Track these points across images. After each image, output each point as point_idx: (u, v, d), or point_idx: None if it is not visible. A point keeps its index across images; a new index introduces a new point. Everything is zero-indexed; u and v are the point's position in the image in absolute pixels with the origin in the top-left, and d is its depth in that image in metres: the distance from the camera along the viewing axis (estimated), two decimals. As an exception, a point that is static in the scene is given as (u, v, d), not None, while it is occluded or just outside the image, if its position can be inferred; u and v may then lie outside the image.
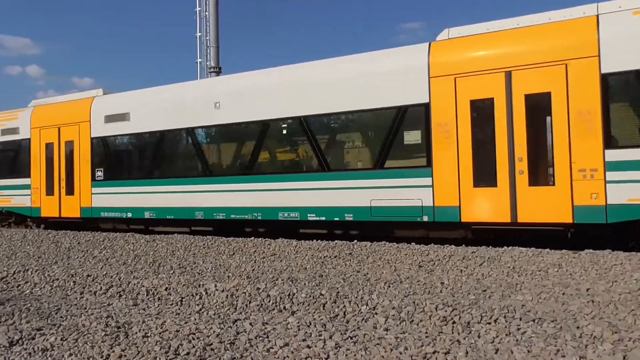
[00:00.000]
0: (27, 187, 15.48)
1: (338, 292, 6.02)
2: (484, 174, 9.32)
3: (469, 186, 9.45)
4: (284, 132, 11.48)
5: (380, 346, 4.36)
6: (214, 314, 5.63)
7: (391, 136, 10.21)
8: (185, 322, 5.13)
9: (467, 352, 4.17)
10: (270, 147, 11.81)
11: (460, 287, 6.54)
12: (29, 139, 15.52)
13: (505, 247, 8.78)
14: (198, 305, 6.12)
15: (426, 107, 9.75)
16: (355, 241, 10.30)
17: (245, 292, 6.23)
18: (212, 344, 4.48)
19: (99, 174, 14.08)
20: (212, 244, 10.78)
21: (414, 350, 4.23)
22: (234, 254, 9.75)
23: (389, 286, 6.63)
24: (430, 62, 9.75)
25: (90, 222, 14.68)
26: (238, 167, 12.20)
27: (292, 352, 4.30)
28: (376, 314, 5.38)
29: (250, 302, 5.98)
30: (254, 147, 11.89)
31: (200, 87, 13.06)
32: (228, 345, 4.45)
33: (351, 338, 4.60)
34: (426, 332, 4.76)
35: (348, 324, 5.16)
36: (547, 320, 4.85)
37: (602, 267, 7.17)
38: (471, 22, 10.65)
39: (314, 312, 5.59)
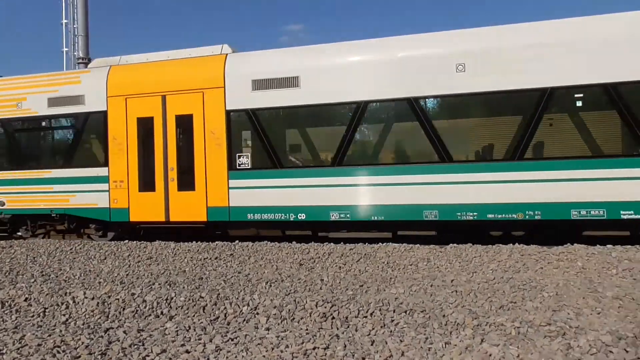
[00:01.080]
0: (102, 180, 11.30)
1: (219, 294, 5.92)
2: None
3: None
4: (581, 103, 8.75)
5: (262, 346, 4.36)
6: (83, 324, 5.23)
7: None
8: (49, 335, 4.71)
9: (345, 346, 4.33)
10: (559, 123, 8.91)
11: (339, 283, 6.78)
12: (104, 112, 11.31)
13: (380, 243, 9.27)
14: (64, 315, 5.64)
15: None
16: (237, 241, 10.20)
17: (118, 299, 5.87)
18: (80, 356, 4.16)
19: (243, 160, 10.48)
20: (80, 248, 10.01)
21: (295, 347, 4.30)
22: (105, 258, 9.14)
23: (271, 285, 6.67)
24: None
25: (219, 227, 11.39)
26: (502, 151, 9.21)
27: (170, 359, 4.14)
28: (257, 314, 5.38)
29: (124, 309, 5.65)
30: (529, 124, 8.94)
31: (431, 43, 9.67)
32: (99, 357, 4.16)
33: (232, 340, 4.55)
34: (307, 329, 4.86)
35: (229, 325, 5.10)
36: (417, 311, 5.21)
37: (465, 259, 7.87)
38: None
39: (194, 316, 5.44)
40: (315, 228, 10.87)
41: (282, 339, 4.53)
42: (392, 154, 10.06)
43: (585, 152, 8.77)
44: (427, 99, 9.52)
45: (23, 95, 11.85)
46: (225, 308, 5.55)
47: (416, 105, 9.47)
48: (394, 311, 5.22)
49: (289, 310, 5.35)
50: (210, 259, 8.80)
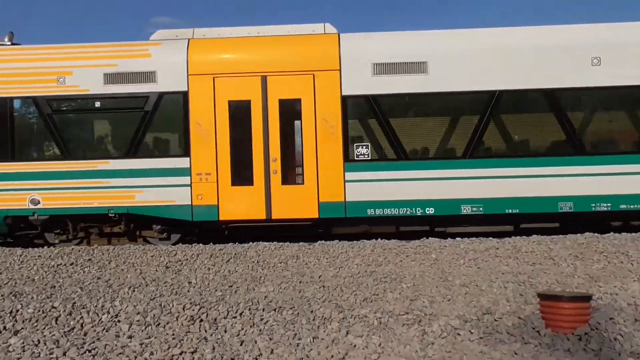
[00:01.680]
0: (181, 172, 9.60)
1: (74, 303, 5.46)
2: None
3: None
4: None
5: (124, 355, 4.11)
6: None
7: None
8: None
9: (213, 348, 4.25)
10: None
11: (208, 284, 6.63)
12: (184, 93, 9.60)
13: (250, 242, 9.25)
14: None
15: None
16: (96, 246, 9.50)
17: (-51, 315, 5.14)
18: None
19: (362, 151, 9.56)
20: None
21: (160, 354, 4.12)
22: None
23: (134, 290, 6.31)
24: None
25: (327, 224, 9.99)
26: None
27: (15, 378, 3.73)
28: (119, 321, 5.05)
29: (-44, 327, 4.96)
30: None
31: (569, 35, 9.55)
32: None
33: (90, 351, 4.23)
34: (173, 334, 4.68)
35: (86, 336, 4.72)
36: (286, 308, 5.29)
37: (332, 255, 8.17)
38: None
39: (44, 329, 4.95)
40: (437, 224, 9.93)
41: (146, 345, 4.32)
42: (526, 146, 9.84)
43: None
44: (564, 91, 9.43)
45: (67, 69, 9.63)
46: (82, 318, 5.13)
47: (553, 96, 9.41)
48: (263, 310, 5.24)
49: (154, 315, 5.11)
50: (65, 265, 8.07)
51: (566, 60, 9.33)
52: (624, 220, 9.75)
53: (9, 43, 10.04)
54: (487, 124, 9.61)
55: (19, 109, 9.96)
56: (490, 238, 8.81)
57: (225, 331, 4.79)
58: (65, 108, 9.93)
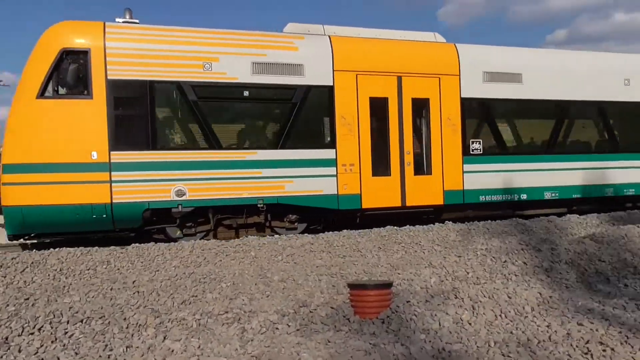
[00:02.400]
0: (327, 163, 9.72)
1: None
2: None
3: None
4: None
5: None
6: None
7: None
8: None
9: (5, 372, 3.72)
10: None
11: (-3, 299, 5.77)
12: (330, 87, 9.78)
13: (51, 249, 8.29)
14: None
15: None
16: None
17: None
18: None
19: (476, 146, 10.97)
20: None
21: None
22: None
23: None
24: None
25: (447, 210, 10.90)
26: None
27: None
28: None
29: None
30: None
31: (608, 62, 12.37)
32: None
33: None
34: (-50, 361, 3.98)
35: None
36: (95, 318, 4.87)
37: (147, 258, 7.75)
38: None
39: None
40: (525, 207, 11.48)
41: None
42: (588, 145, 12.25)
43: None
44: (607, 104, 12.05)
45: (214, 55, 9.24)
46: None
47: (600, 107, 12.02)
48: (67, 322, 4.75)
49: None
50: None
51: (609, 80, 12.26)
52: None
53: (136, 21, 9.35)
54: (560, 126, 11.89)
55: (159, 93, 9.14)
56: (306, 234, 9.28)
57: (20, 350, 4.23)
58: (211, 95, 9.42)
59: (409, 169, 10.51)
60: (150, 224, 9.22)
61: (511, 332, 4.60)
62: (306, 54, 9.90)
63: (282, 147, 9.73)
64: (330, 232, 9.18)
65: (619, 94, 12.10)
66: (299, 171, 9.72)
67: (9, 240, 8.95)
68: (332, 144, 9.95)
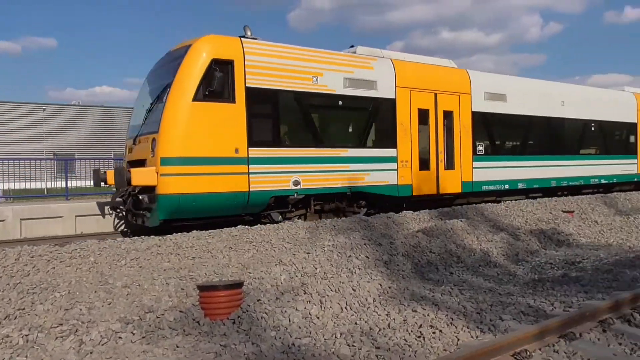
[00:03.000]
0: (392, 160, 12.29)
1: None
2: None
3: None
4: (596, 128, 17.95)
5: None
6: None
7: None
8: None
9: None
10: (597, 136, 18.04)
11: None
12: (393, 100, 12.36)
13: None
14: None
15: None
16: None
17: None
18: None
19: (480, 148, 14.18)
20: None
21: None
22: None
23: None
24: None
25: (464, 196, 14.03)
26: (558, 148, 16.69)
27: None
28: None
29: None
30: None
31: (557, 89, 17.06)
32: None
33: None
34: None
35: None
36: None
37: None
38: None
39: None
40: (500, 194, 14.73)
41: None
42: (557, 147, 16.39)
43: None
44: (551, 118, 16.11)
45: (319, 70, 11.22)
46: None
47: (548, 120, 16.01)
48: None
49: None
50: None
51: (551, 101, 16.47)
52: (594, 188, 17.67)
53: (256, 37, 10.79)
54: (529, 134, 15.95)
55: (282, 100, 10.75)
56: (152, 236, 8.83)
57: None
58: (317, 103, 11.53)
59: (442, 165, 13.40)
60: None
61: (355, 323, 4.89)
62: (379, 73, 12.28)
63: (364, 147, 12.11)
64: (179, 234, 8.87)
65: (558, 111, 16.44)
66: (374, 166, 12.02)
67: (152, 225, 9.56)
68: (394, 145, 12.41)
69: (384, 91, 12.25)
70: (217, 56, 9.83)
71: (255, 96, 10.24)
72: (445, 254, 7.70)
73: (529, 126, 15.71)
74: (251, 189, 10.12)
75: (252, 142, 10.15)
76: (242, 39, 10.46)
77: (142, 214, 9.73)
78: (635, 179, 19.17)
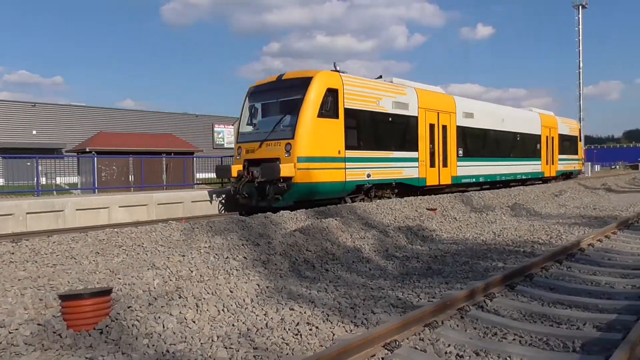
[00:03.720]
0: (415, 160, 17.22)
1: None
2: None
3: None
4: (518, 138, 24.09)
5: None
6: None
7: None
8: None
9: None
10: (487, 144, 22.10)
11: None
12: (417, 117, 17.28)
13: None
14: None
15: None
16: None
17: None
18: None
19: (460, 152, 19.50)
20: None
21: None
22: None
23: None
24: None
25: (455, 187, 19.63)
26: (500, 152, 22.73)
27: None
28: None
29: None
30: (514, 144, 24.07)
31: (500, 110, 23.78)
32: None
33: None
34: None
35: None
36: None
37: None
38: None
39: None
40: (467, 186, 20.48)
41: None
42: (496, 151, 22.24)
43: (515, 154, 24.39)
44: (496, 130, 22.01)
45: (380, 96, 15.89)
46: None
47: (496, 132, 21.79)
48: None
49: None
50: None
51: (497, 119, 22.47)
52: (519, 182, 24.32)
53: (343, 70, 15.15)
54: (486, 141, 21.64)
55: (361, 117, 15.19)
56: (4, 242, 7.92)
57: None
58: (379, 119, 15.98)
59: (441, 163, 18.49)
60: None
61: (233, 325, 4.83)
62: (409, 98, 17.12)
63: (402, 150, 16.63)
64: (37, 239, 8.06)
65: (501, 126, 22.61)
66: (407, 164, 16.80)
67: (283, 205, 13.02)
68: (416, 149, 17.28)
69: (412, 111, 17.21)
70: (329, 86, 13.98)
71: (348, 114, 14.53)
72: (321, 251, 7.91)
73: (485, 136, 21.81)
74: (347, 180, 14.43)
75: (347, 146, 14.42)
76: (340, 73, 14.68)
77: (277, 197, 13.34)
78: (540, 176, 26.16)
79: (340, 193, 14.36)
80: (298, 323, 4.79)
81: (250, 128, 14.97)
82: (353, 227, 9.71)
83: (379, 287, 6.30)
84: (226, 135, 55.20)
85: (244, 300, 5.52)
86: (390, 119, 16.19)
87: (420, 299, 5.70)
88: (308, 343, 4.37)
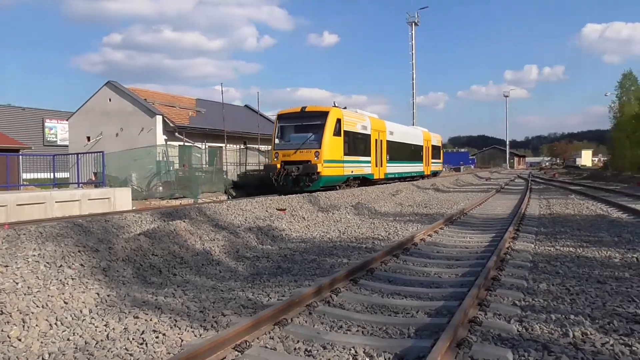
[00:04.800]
0: (368, 162, 25.00)
1: None
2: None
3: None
4: (410, 148, 33.39)
5: None
6: None
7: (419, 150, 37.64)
8: None
9: None
10: (399, 151, 30.46)
11: None
12: (370, 135, 25.25)
13: None
14: None
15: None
16: None
17: None
18: None
19: (388, 157, 27.82)
20: None
21: None
22: None
23: None
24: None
25: (385, 180, 27.99)
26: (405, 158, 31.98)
27: None
28: None
29: None
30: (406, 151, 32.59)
31: (404, 128, 33.86)
32: None
33: None
34: None
35: None
36: None
37: None
38: None
39: None
40: (391, 180, 29.56)
41: None
42: (404, 157, 31.85)
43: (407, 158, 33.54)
44: (403, 143, 32.05)
45: (359, 122, 24.09)
46: None
47: (403, 144, 31.97)
48: None
49: None
50: None
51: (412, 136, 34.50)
52: (410, 178, 33.32)
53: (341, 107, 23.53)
54: (407, 151, 32.51)
55: (351, 136, 22.86)
56: None
57: None
58: (357, 136, 23.66)
59: (380, 165, 26.35)
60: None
61: (68, 339, 4.41)
62: (367, 123, 24.96)
63: (364, 156, 24.35)
64: None
65: (405, 139, 31.72)
66: (366, 165, 24.54)
67: (314, 189, 20.25)
68: (369, 155, 24.94)
69: (368, 131, 25.06)
70: (337, 117, 21.46)
71: (345, 134, 21.96)
72: (169, 255, 7.60)
73: (399, 147, 30.47)
74: (344, 174, 22.19)
75: (344, 154, 21.93)
76: (342, 110, 22.48)
77: (307, 183, 20.30)
78: (423, 174, 36.52)
79: (340, 182, 22.55)
80: (143, 332, 4.54)
81: (282, 141, 21.82)
82: (203, 229, 9.50)
83: (230, 289, 6.24)
84: (59, 131, 50.11)
85: (81, 311, 5.07)
86: (360, 136, 24.28)
87: (271, 298, 5.78)
88: (154, 352, 4.16)
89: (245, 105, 44.60)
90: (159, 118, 28.88)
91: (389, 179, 28.63)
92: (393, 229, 11.49)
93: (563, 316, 4.87)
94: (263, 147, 32.80)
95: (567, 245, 8.96)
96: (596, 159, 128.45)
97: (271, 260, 8.09)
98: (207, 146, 30.50)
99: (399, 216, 14.30)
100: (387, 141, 27.93)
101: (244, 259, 8.23)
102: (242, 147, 31.49)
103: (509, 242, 8.90)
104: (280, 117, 22.38)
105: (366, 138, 24.81)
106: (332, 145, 20.92)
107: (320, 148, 20.41)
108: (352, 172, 22.96)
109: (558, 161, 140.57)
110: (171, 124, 28.87)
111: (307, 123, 21.36)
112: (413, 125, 48.06)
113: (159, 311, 5.13)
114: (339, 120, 21.51)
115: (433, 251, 8.70)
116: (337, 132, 21.31)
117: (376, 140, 26.06)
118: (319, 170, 20.27)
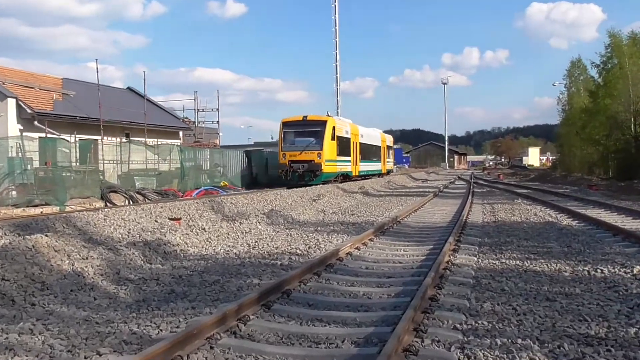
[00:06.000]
0: (349, 161, 36.31)
1: None
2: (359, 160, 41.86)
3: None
4: (372, 149, 48.02)
5: None
6: None
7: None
8: None
9: None
10: (366, 152, 44.15)
11: None
12: (350, 138, 36.46)
13: None
14: None
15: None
16: None
17: None
18: None
19: (360, 157, 39.39)
20: None
21: None
22: None
23: None
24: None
25: (359, 177, 39.65)
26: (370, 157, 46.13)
27: None
28: None
29: None
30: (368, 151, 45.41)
31: (369, 130, 46.90)
32: None
33: None
34: None
35: None
36: None
37: None
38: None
39: None
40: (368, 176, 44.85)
41: None
42: (373, 157, 48.03)
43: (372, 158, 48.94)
44: (369, 144, 46.05)
45: (344, 128, 36.27)
46: None
47: (369, 145, 45.95)
48: None
49: None
50: None
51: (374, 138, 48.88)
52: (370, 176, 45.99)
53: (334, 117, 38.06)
54: (371, 151, 47.18)
55: (342, 140, 34.99)
56: None
57: None
58: (343, 139, 35.63)
59: (355, 164, 38.70)
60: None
61: None
62: (349, 128, 37.85)
63: (346, 156, 36.28)
64: None
65: (370, 141, 45.12)
66: (348, 164, 36.79)
67: (316, 184, 30.52)
68: (349, 155, 36.99)
69: (349, 135, 36.25)
70: (333, 125, 33.21)
71: (337, 138, 33.41)
72: (25, 280, 7.19)
73: (367, 148, 42.25)
74: (337, 171, 34.07)
75: (337, 154, 33.34)
76: (335, 118, 36.33)
77: (312, 178, 30.74)
78: (381, 172, 48.92)
79: (334, 178, 33.28)
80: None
81: (288, 144, 32.20)
82: (72, 244, 9.09)
83: (108, 321, 6.01)
84: None
85: None
86: (345, 139, 34.90)
87: (161, 330, 5.63)
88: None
89: (128, 88, 43.25)
90: (11, 101, 27.09)
91: (360, 176, 41.15)
92: (314, 241, 11.62)
93: (509, 340, 5.14)
94: (151, 141, 31.91)
95: (514, 258, 9.50)
96: (544, 157, 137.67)
97: (162, 283, 7.89)
98: (77, 139, 29.14)
99: (322, 226, 14.49)
100: (360, 143, 40.42)
101: (127, 281, 7.97)
102: (124, 140, 30.44)
103: (448, 256, 9.27)
104: (285, 123, 33.55)
105: (348, 141, 36.89)
106: (330, 148, 32.36)
107: (322, 150, 31.56)
108: (341, 169, 34.85)
109: (503, 160, 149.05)
110: (29, 110, 27.21)
111: (309, 129, 33.01)
112: (337, 115, 52.49)
113: (10, 353, 4.83)
114: (334, 127, 33.33)
115: (361, 267, 8.89)
116: (332, 137, 32.80)
117: (354, 142, 38.45)
118: (321, 167, 31.50)
